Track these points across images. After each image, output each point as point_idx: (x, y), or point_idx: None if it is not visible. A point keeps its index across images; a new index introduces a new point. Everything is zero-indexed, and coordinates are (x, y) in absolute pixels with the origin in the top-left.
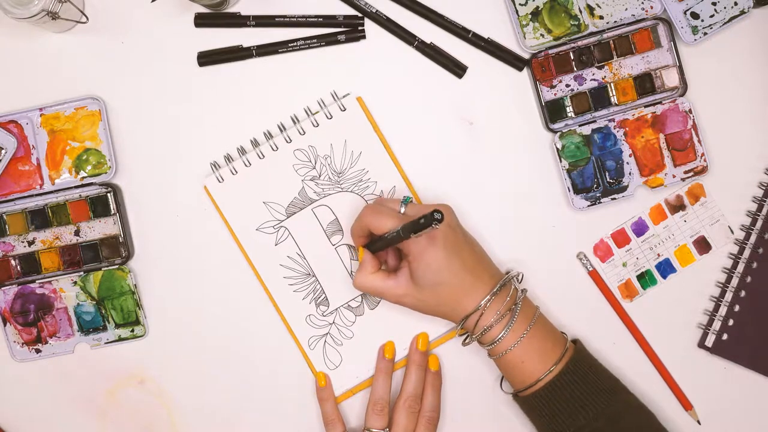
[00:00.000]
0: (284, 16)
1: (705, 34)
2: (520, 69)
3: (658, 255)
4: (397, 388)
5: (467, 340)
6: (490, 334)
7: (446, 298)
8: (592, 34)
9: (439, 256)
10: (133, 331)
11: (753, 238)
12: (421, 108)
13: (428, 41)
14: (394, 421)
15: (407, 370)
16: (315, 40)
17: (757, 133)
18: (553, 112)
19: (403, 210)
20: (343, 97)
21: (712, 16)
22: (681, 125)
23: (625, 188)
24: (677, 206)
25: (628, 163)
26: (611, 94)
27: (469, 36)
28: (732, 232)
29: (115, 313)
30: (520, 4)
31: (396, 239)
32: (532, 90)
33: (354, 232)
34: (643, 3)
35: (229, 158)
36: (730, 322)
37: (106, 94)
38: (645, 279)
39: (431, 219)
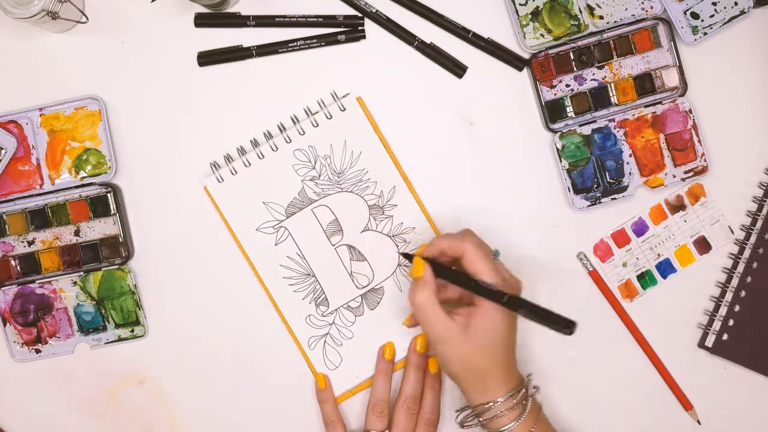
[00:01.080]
0: (284, 16)
1: (705, 34)
2: (520, 69)
3: (658, 255)
4: (397, 388)
5: (467, 421)
6: (500, 420)
7: (480, 366)
8: (592, 34)
9: (505, 327)
10: (133, 331)
11: (753, 238)
12: (421, 108)
13: (428, 41)
14: (393, 423)
15: (405, 372)
16: (315, 40)
17: (757, 133)
18: (553, 112)
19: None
20: (343, 97)
21: (712, 16)
22: (681, 125)
23: (625, 188)
24: (677, 206)
25: (628, 163)
26: (611, 94)
27: (469, 36)
28: (732, 232)
29: (115, 313)
30: (520, 4)
31: (488, 293)
32: (532, 90)
33: (437, 245)
34: (643, 3)
35: (229, 158)
36: (730, 322)
37: (106, 94)
38: (645, 279)
39: (566, 326)
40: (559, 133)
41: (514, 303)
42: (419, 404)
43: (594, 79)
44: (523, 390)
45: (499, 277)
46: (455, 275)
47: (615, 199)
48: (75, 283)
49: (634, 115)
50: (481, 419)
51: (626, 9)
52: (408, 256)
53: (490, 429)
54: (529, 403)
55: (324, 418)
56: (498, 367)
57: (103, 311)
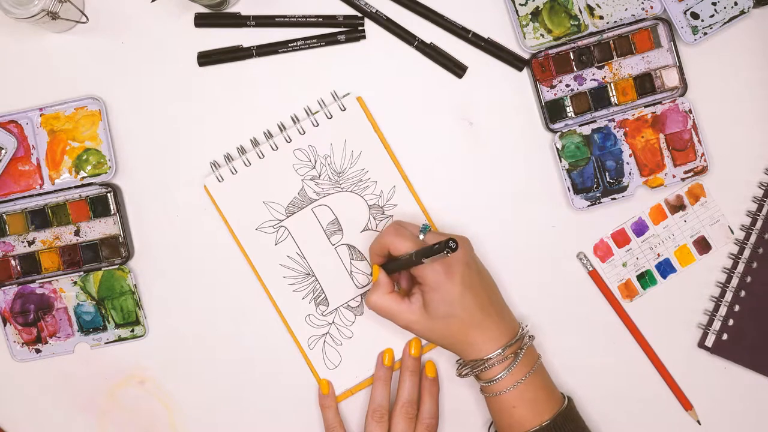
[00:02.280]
0: (284, 16)
1: (705, 34)
2: (520, 69)
3: (658, 255)
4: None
5: (464, 372)
6: (489, 372)
7: (455, 332)
8: (592, 34)
9: (454, 290)
10: (133, 331)
11: (753, 238)
12: (421, 108)
13: (428, 41)
14: (392, 428)
15: (401, 377)
16: (315, 40)
17: (757, 133)
18: (553, 112)
19: (422, 237)
20: (343, 96)
21: (712, 16)
22: (681, 125)
23: (625, 188)
24: (677, 206)
25: (628, 163)
26: (611, 94)
27: (469, 36)
28: (732, 232)
29: (115, 313)
30: (520, 4)
31: (410, 263)
32: (532, 90)
33: (373, 249)
34: (643, 3)
35: (229, 158)
36: (730, 322)
37: (106, 94)
38: (645, 279)
39: (445, 246)
40: (559, 133)
41: (417, 257)
42: (417, 408)
43: (594, 79)
44: (517, 341)
45: (419, 245)
46: (393, 263)
47: (615, 199)
48: (75, 283)
49: (634, 115)
50: (475, 370)
51: (626, 9)
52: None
53: (483, 380)
54: (521, 353)
55: (325, 424)
56: (475, 323)
57: (103, 311)
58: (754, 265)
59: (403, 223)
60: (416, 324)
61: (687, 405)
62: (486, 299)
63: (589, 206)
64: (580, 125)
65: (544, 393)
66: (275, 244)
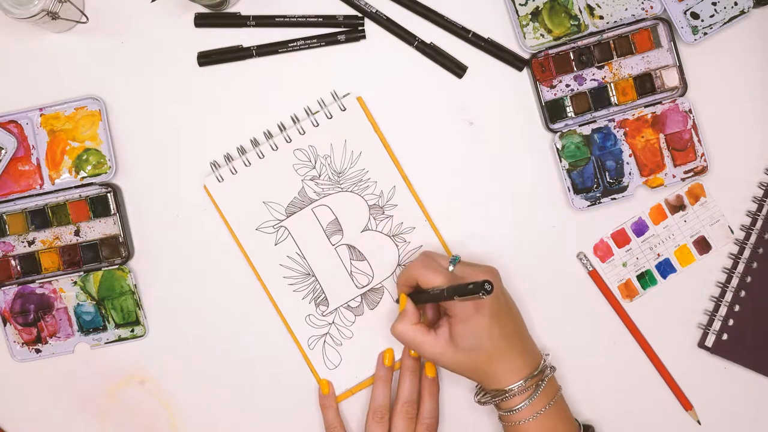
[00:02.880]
0: (284, 16)
1: (705, 34)
2: (520, 69)
3: (658, 255)
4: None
5: (483, 400)
6: (510, 402)
7: (480, 363)
8: (592, 34)
9: (483, 323)
10: (133, 331)
11: (753, 238)
12: (421, 108)
13: (428, 41)
14: (392, 428)
15: (401, 377)
16: (315, 40)
17: (757, 133)
18: (553, 112)
19: (451, 269)
20: (343, 96)
21: (712, 16)
22: (681, 125)
23: (625, 188)
24: (677, 206)
25: (628, 163)
26: (611, 94)
27: (469, 36)
28: (732, 232)
29: (115, 313)
30: (520, 4)
31: (440, 297)
32: (532, 90)
33: (401, 281)
34: (643, 3)
35: (229, 158)
36: (730, 322)
37: (106, 94)
38: (645, 279)
39: (480, 288)
40: (559, 133)
41: (449, 294)
42: (417, 408)
43: (594, 79)
44: (538, 372)
45: (451, 281)
46: (421, 295)
47: (615, 199)
48: (75, 283)
49: (634, 115)
50: (494, 400)
51: (626, 9)
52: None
53: (502, 409)
54: (543, 384)
55: (326, 424)
56: (501, 356)
57: (103, 311)
58: (754, 265)
59: (433, 255)
60: (442, 356)
61: (687, 405)
62: (512, 331)
63: (589, 206)
64: (580, 125)
65: (563, 425)
66: (275, 244)
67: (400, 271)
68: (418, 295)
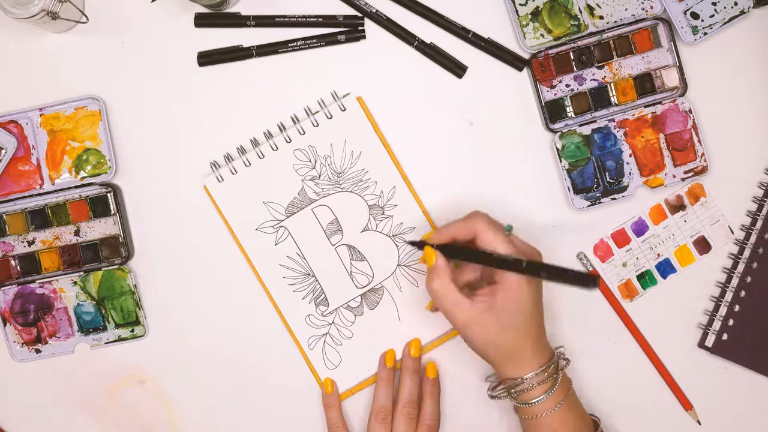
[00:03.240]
0: (284, 16)
1: (705, 34)
2: (520, 69)
3: (658, 255)
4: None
5: (499, 393)
6: (528, 394)
7: (508, 341)
8: (592, 34)
9: (530, 299)
10: (133, 331)
11: (753, 238)
12: (421, 108)
13: (428, 41)
14: (393, 429)
15: (401, 377)
16: (315, 40)
17: (757, 133)
18: (553, 112)
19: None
20: (343, 97)
21: (712, 16)
22: (681, 125)
23: (625, 188)
24: (677, 206)
25: (628, 163)
26: (611, 94)
27: (469, 36)
28: (732, 232)
29: (115, 313)
30: (520, 4)
31: (506, 264)
32: (532, 90)
33: (447, 229)
34: (643, 3)
35: (229, 158)
36: (730, 322)
37: (106, 94)
38: (645, 279)
39: (590, 282)
40: (559, 133)
41: (534, 268)
42: (418, 409)
43: (594, 79)
44: (554, 364)
45: (514, 249)
46: (470, 254)
47: (615, 199)
48: (75, 283)
49: (634, 115)
50: (511, 392)
51: (626, 9)
52: (417, 244)
53: (520, 401)
54: (560, 376)
55: (329, 424)
56: (528, 342)
57: (103, 311)
58: (754, 265)
59: (490, 218)
60: (473, 326)
61: (687, 405)
62: (542, 318)
63: (589, 206)
64: (580, 125)
65: (581, 420)
66: (275, 245)
67: (448, 223)
68: (455, 249)
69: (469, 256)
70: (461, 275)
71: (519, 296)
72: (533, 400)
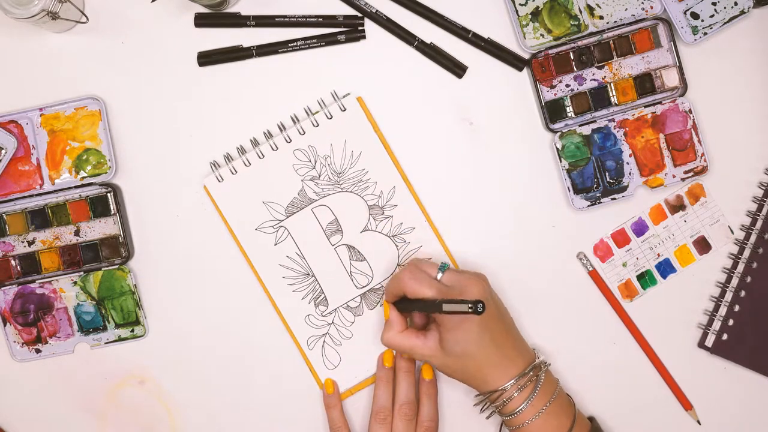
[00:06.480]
0: (284, 16)
1: (705, 34)
2: (520, 69)
3: (658, 255)
4: None
5: (484, 408)
6: (510, 405)
7: (472, 370)
8: (592, 34)
9: (472, 331)
10: (133, 331)
11: (753, 238)
12: (421, 108)
13: (428, 41)
14: (393, 429)
15: (397, 379)
16: (315, 40)
17: (757, 133)
18: (553, 112)
19: (439, 276)
20: (343, 97)
21: (712, 16)
22: (681, 125)
23: (625, 188)
24: (677, 206)
25: (628, 163)
26: (611, 94)
27: (469, 36)
28: (732, 232)
29: (115, 313)
30: (520, 4)
31: (430, 309)
32: (532, 90)
33: (388, 290)
34: (643, 3)
35: (228, 158)
36: (730, 322)
37: (106, 94)
38: (645, 279)
39: (474, 309)
40: (559, 133)
41: (437, 309)
42: (415, 409)
43: (594, 79)
44: (531, 371)
45: (440, 291)
46: (411, 305)
47: (615, 199)
48: (75, 283)
49: (634, 115)
50: (494, 405)
51: (626, 9)
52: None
53: (504, 414)
54: (540, 382)
55: (330, 424)
56: (491, 361)
57: (103, 311)
58: (754, 265)
59: (420, 264)
60: (433, 359)
61: (687, 405)
62: (502, 333)
63: (589, 206)
64: (580, 125)
65: (568, 420)
66: (275, 245)
67: (388, 281)
68: (405, 303)
69: (412, 307)
70: (418, 321)
71: (458, 329)
72: (516, 410)
